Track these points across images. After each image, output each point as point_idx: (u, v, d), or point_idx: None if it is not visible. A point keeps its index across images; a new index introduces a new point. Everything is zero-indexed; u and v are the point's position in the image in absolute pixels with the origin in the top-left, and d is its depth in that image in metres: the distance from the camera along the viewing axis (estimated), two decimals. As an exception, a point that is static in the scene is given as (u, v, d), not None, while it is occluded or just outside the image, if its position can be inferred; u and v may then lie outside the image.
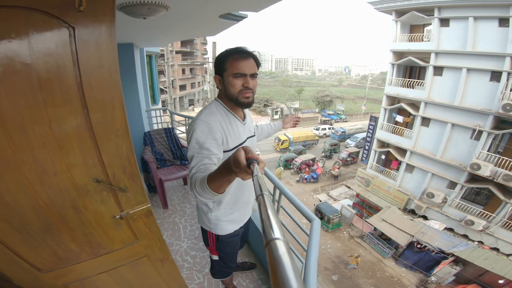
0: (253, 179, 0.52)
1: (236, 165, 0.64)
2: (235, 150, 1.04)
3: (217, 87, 1.16)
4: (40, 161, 0.91)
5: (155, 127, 4.94)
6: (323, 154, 19.95)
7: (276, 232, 0.30)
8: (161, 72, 19.10)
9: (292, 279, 0.22)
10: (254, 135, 1.34)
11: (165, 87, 15.54)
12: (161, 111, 5.64)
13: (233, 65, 1.04)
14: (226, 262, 1.57)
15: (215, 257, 1.52)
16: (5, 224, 0.96)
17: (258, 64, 1.11)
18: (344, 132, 24.35)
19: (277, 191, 1.79)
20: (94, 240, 1.19)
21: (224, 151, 1.09)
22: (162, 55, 11.60)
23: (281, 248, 0.27)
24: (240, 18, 1.98)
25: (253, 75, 1.08)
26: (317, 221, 1.38)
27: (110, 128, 0.99)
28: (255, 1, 1.52)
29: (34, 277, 1.12)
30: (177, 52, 27.35)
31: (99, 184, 1.06)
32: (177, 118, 5.11)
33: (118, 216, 1.18)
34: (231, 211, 1.31)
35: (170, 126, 4.66)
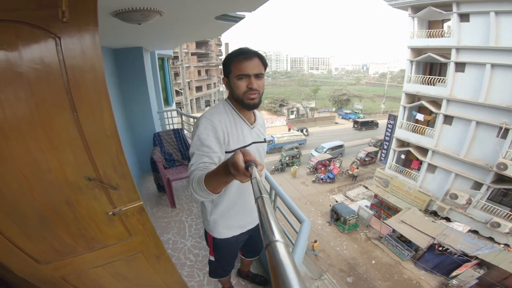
0: (251, 182, 0.52)
1: (235, 168, 0.64)
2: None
3: (227, 89, 1.16)
4: (35, 159, 0.98)
5: (168, 128, 5.10)
6: (273, 167, 17.60)
7: (276, 234, 0.30)
8: (177, 74, 19.59)
9: (293, 280, 0.22)
10: (263, 142, 1.29)
11: (181, 89, 15.96)
12: (175, 112, 5.82)
13: (236, 66, 1.03)
14: (221, 265, 1.57)
15: (212, 258, 1.53)
16: (3, 215, 1.02)
17: (264, 63, 1.08)
18: (272, 141, 19.82)
19: (273, 192, 1.81)
20: (88, 235, 1.25)
21: (225, 152, 1.09)
22: (177, 57, 11.90)
23: (281, 250, 0.27)
24: (237, 18, 2.01)
25: (258, 75, 1.05)
26: (307, 223, 1.37)
27: (99, 129, 1.05)
28: (247, 1, 1.54)
29: (34, 268, 1.19)
30: (192, 54, 27.98)
31: (90, 182, 1.12)
32: (185, 119, 5.26)
33: (110, 213, 1.22)
34: (229, 216, 1.29)
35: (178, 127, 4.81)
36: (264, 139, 1.31)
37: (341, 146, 20.06)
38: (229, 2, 1.50)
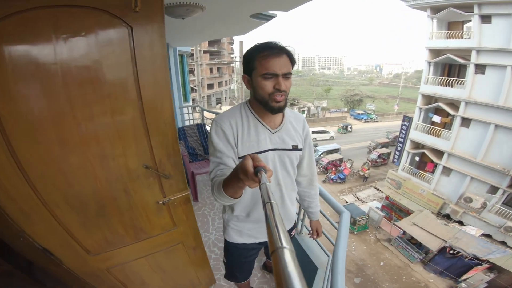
0: (260, 187, 0.51)
1: (243, 173, 0.64)
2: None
3: (247, 88, 1.03)
4: (103, 147, 1.02)
5: (187, 123, 5.25)
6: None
7: (283, 241, 0.30)
8: (191, 71, 19.91)
9: (297, 286, 0.23)
10: (290, 149, 1.10)
11: (195, 86, 16.21)
12: (192, 108, 5.96)
13: (262, 63, 0.90)
14: (231, 269, 1.46)
15: (224, 259, 1.43)
16: (67, 206, 1.05)
17: (292, 61, 0.96)
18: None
19: None
20: (138, 225, 1.27)
21: (238, 157, 1.02)
22: (192, 55, 12.11)
23: (287, 256, 0.27)
24: (269, 17, 2.05)
25: (286, 75, 0.93)
26: (346, 214, 1.35)
27: (160, 118, 1.09)
28: (286, 1, 1.60)
29: (83, 260, 1.20)
30: (204, 52, 28.21)
31: (147, 170, 1.14)
32: (206, 114, 5.38)
33: (161, 202, 1.25)
34: (241, 223, 1.20)
35: (201, 122, 4.93)
36: (295, 146, 1.11)
37: (337, 149, 19.25)
38: (269, 0, 1.56)
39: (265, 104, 0.96)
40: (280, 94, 0.93)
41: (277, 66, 0.90)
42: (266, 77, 0.91)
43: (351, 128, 26.17)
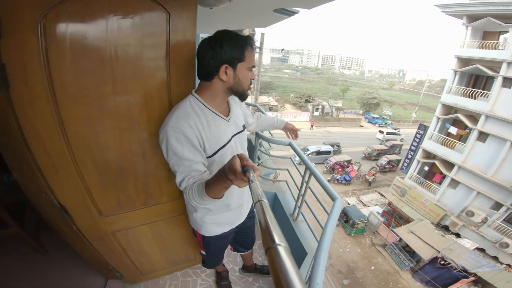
0: (250, 186, 0.51)
1: (232, 173, 0.64)
2: (216, 154, 1.02)
3: (208, 78, 0.99)
4: (132, 113, 1.13)
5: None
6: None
7: (277, 238, 0.30)
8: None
9: (296, 283, 0.23)
10: (243, 130, 1.17)
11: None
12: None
13: (251, 56, 0.94)
14: (213, 258, 1.56)
15: (203, 252, 1.47)
16: (93, 165, 1.12)
17: None
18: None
19: (307, 172, 1.91)
20: (149, 190, 1.33)
21: (207, 157, 1.01)
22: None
23: (283, 253, 0.27)
24: (292, 13, 2.07)
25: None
26: (339, 200, 1.42)
27: (182, 93, 1.19)
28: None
29: (94, 221, 1.26)
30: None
31: None
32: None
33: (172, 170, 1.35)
34: (217, 214, 1.21)
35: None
36: (243, 125, 1.18)
37: (328, 152, 18.46)
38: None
39: (242, 94, 1.03)
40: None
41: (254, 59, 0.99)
42: (251, 69, 0.97)
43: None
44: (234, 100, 1.16)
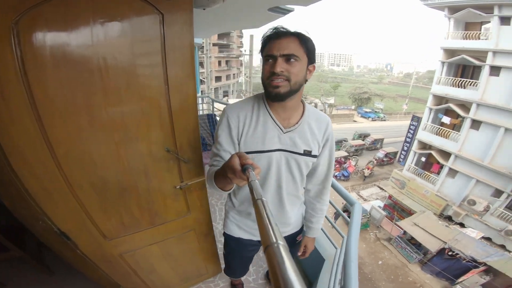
0: (249, 185, 0.51)
1: (231, 172, 0.63)
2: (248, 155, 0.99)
3: None
4: (129, 127, 1.04)
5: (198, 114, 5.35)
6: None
7: (276, 237, 0.30)
8: (200, 64, 19.97)
9: (294, 281, 0.23)
10: (300, 153, 0.97)
11: (204, 78, 16.28)
12: (200, 99, 6.06)
13: (266, 45, 0.84)
14: (230, 262, 1.44)
15: (224, 251, 1.39)
16: (89, 187, 1.04)
17: (304, 44, 0.83)
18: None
19: None
20: (154, 209, 1.27)
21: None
22: (203, 47, 12.16)
23: (281, 252, 0.27)
24: (286, 11, 2.03)
25: (288, 57, 0.80)
26: (358, 205, 1.32)
27: (184, 102, 1.11)
28: None
29: (98, 245, 1.20)
30: (214, 45, 28.05)
31: (168, 154, 1.16)
32: (216, 105, 5.49)
33: (178, 187, 1.25)
34: (239, 216, 1.18)
35: (211, 112, 5.03)
36: (307, 151, 0.97)
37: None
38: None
39: (265, 90, 0.89)
40: (277, 77, 0.81)
41: (275, 47, 0.80)
42: (266, 59, 0.84)
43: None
44: (319, 122, 1.00)
